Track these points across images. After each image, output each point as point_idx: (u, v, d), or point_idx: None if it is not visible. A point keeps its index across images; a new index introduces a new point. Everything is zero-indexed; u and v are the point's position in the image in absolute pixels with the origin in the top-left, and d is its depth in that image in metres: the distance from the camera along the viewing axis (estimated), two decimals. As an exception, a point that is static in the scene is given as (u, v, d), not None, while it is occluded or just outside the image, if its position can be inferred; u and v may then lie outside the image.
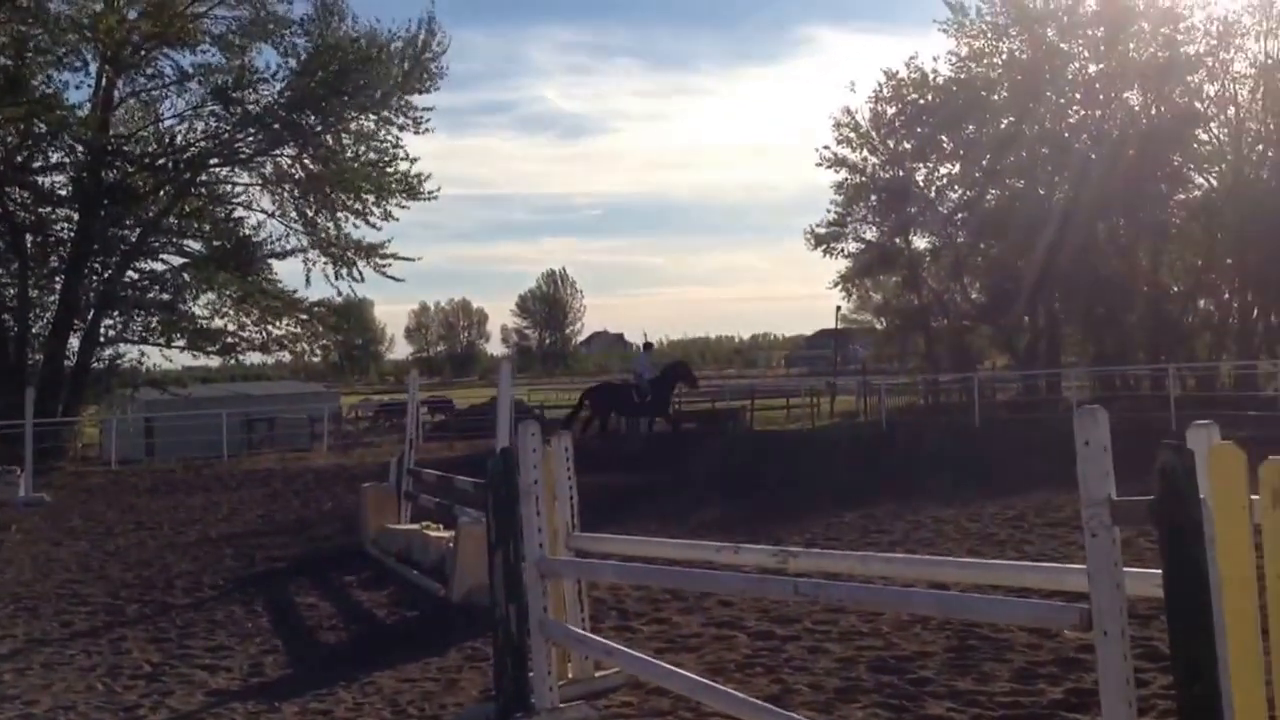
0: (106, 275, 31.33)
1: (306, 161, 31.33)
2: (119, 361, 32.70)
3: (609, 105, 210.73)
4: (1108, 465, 3.30)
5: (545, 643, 6.23)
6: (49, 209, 31.40)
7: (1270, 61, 36.56)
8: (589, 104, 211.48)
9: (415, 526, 12.55)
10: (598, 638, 6.66)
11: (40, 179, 30.78)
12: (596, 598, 8.90)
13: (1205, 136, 38.60)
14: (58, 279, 31.26)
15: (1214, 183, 38.90)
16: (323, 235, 31.39)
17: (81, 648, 8.79)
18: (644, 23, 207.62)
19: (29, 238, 31.20)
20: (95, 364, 31.87)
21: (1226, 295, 39.15)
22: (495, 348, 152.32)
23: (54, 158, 30.63)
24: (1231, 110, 37.90)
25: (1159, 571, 3.19)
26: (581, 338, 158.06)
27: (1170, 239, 39.64)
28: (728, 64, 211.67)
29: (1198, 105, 37.85)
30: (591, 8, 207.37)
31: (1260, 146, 37.69)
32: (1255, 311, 39.02)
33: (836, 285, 43.81)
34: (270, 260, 32.88)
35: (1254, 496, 3.28)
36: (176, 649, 8.66)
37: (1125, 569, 3.34)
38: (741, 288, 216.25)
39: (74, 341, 31.27)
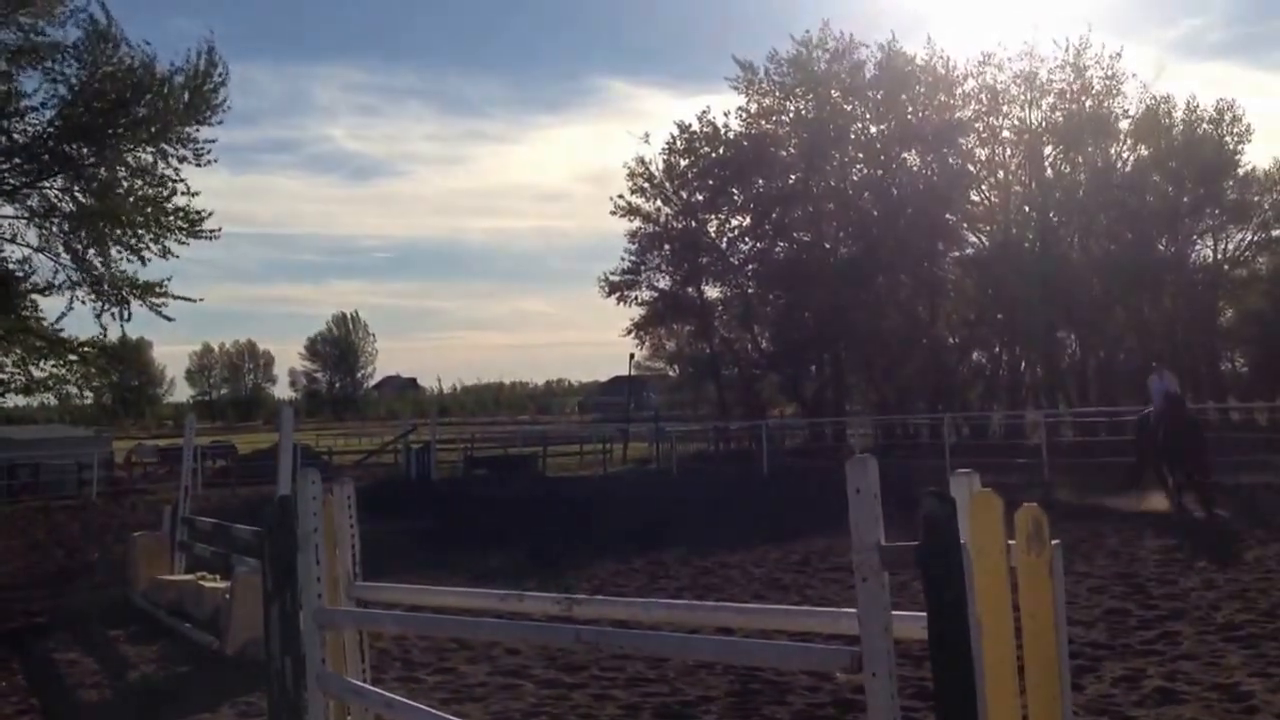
0: None
1: (77, 194, 29.77)
2: None
3: (399, 148, 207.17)
4: (877, 511, 3.39)
5: (322, 696, 6.04)
6: None
7: (1032, 129, 39.14)
8: (378, 145, 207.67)
9: (189, 577, 12.02)
10: (377, 690, 6.47)
11: None
12: (381, 648, 8.70)
13: (977, 197, 41.04)
14: None
15: (985, 241, 41.22)
16: (94, 272, 29.81)
17: None
18: (434, 65, 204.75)
19: None
20: None
21: (997, 348, 41.36)
22: (283, 391, 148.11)
23: None
24: (1000, 173, 40.38)
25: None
26: (373, 381, 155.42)
27: (946, 294, 41.76)
28: (518, 110, 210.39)
29: (970, 167, 40.18)
30: (379, 49, 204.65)
31: (1025, 208, 40.25)
32: (1023, 364, 41.45)
33: (630, 333, 44.39)
34: (34, 296, 31.05)
35: (1011, 541, 3.43)
36: (-82, 712, 8.06)
37: (895, 612, 3.42)
38: (536, 333, 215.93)
39: None
